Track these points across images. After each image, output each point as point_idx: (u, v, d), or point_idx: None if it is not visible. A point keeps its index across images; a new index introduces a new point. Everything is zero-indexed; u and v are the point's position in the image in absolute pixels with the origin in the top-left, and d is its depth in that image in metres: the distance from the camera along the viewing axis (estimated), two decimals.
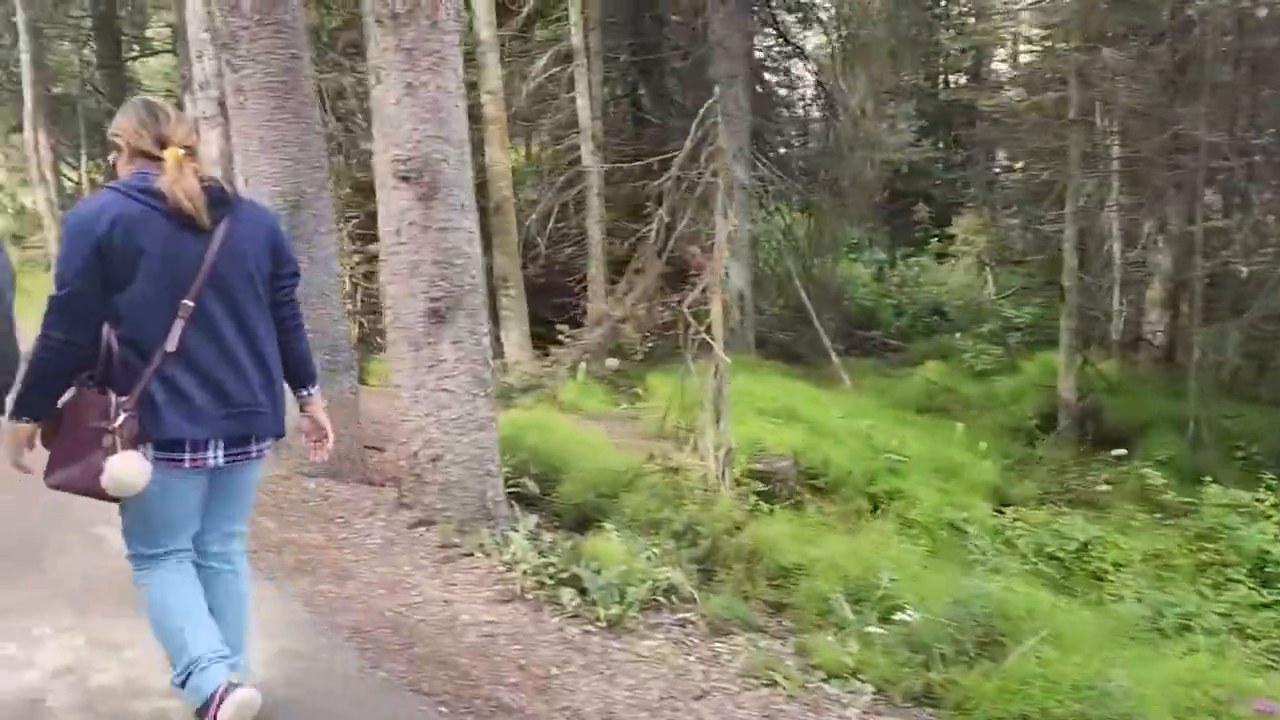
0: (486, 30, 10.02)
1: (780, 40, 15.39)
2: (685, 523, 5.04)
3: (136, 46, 13.05)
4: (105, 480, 2.40)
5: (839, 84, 14.10)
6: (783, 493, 7.00)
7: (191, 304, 2.45)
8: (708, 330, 6.22)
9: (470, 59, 10.16)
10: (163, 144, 2.49)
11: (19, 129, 11.42)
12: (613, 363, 12.64)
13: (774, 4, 14.82)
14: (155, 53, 13.71)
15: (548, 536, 4.78)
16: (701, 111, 6.71)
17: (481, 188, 11.15)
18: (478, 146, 11.61)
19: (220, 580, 2.74)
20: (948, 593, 4.40)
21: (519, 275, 10.76)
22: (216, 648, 2.56)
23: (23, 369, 2.51)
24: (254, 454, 2.64)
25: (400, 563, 4.46)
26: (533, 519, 4.82)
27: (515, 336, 10.70)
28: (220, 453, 2.53)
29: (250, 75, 5.18)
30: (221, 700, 2.44)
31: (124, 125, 2.55)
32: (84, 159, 13.98)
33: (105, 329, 2.45)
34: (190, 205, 2.42)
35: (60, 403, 2.52)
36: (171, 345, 2.44)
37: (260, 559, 4.25)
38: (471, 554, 4.58)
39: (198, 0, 9.07)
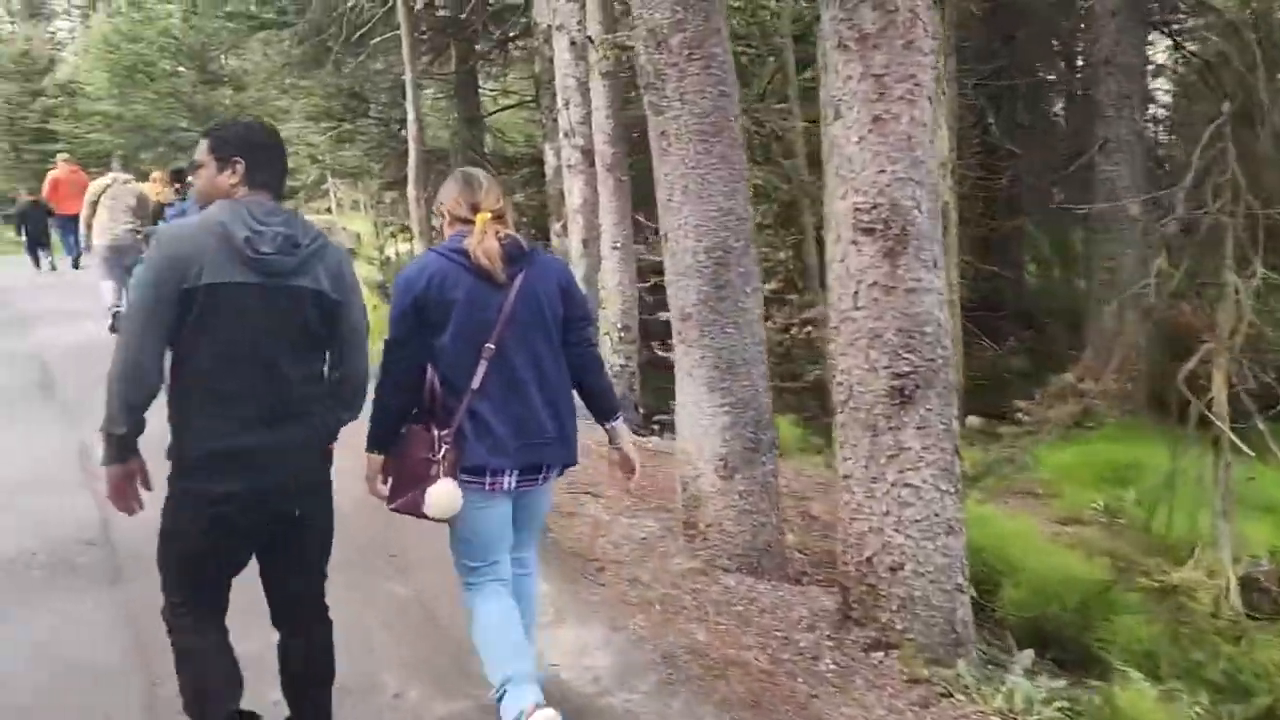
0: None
1: (1176, 50, 13.42)
2: (1224, 668, 3.85)
3: (494, 101, 13.55)
4: (426, 506, 2.83)
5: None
6: None
7: (492, 347, 2.82)
8: (1208, 405, 4.96)
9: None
10: (476, 210, 2.91)
11: (392, 185, 12.09)
12: (974, 421, 11.36)
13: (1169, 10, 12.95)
14: (515, 105, 14.13)
15: (1044, 679, 3.78)
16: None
17: None
18: None
19: (515, 581, 3.12)
20: None
21: None
22: (529, 670, 2.93)
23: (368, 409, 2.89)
24: (541, 480, 3.01)
25: (869, 701, 3.63)
26: (1027, 654, 3.84)
27: None
28: (514, 479, 2.92)
29: (676, 117, 4.62)
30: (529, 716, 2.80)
31: (446, 196, 3.01)
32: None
33: (430, 372, 2.88)
34: (488, 263, 2.82)
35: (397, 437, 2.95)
36: (475, 384, 2.83)
37: (708, 686, 3.58)
38: (950, 694, 3.68)
39: (564, 48, 8.98)
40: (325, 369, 2.77)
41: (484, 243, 2.84)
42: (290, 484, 2.65)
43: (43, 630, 3.95)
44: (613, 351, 8.29)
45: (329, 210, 24.31)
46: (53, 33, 48.66)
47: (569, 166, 9.12)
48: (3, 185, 30.50)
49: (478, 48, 12.41)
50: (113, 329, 9.23)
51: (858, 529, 4.09)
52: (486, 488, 2.89)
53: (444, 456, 2.83)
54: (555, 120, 9.49)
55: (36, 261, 16.58)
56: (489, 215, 2.90)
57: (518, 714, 2.82)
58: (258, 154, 2.67)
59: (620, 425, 3.19)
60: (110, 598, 4.26)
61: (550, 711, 2.83)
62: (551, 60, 9.40)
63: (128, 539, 4.53)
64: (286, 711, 2.90)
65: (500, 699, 2.89)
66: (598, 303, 8.52)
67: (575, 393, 3.09)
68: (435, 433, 2.86)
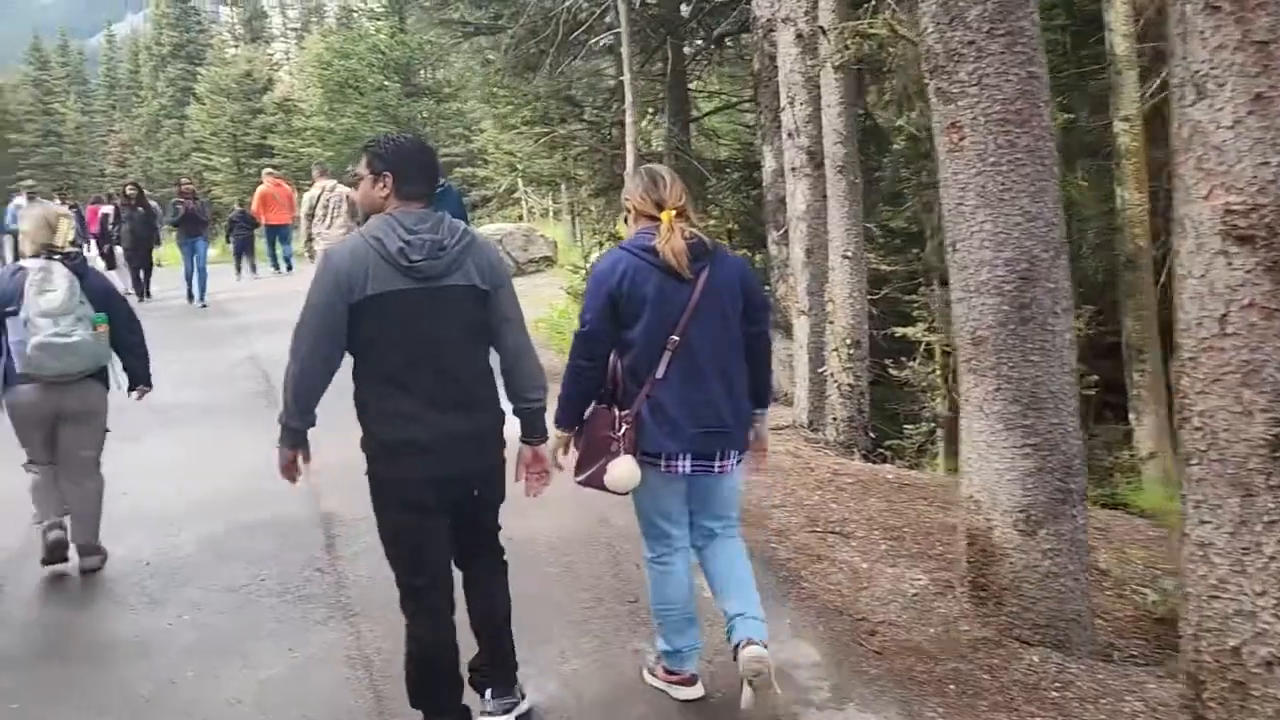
0: (1123, 42, 8.15)
1: None
2: None
3: (706, 102, 13.11)
4: (606, 479, 3.08)
5: None
6: None
7: (676, 338, 3.02)
8: None
9: (1098, 75, 8.41)
10: (660, 207, 3.09)
11: (601, 192, 11.84)
12: None
13: None
14: (726, 106, 13.66)
15: None
16: None
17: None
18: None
19: (722, 546, 3.29)
20: None
21: (1156, 348, 8.65)
22: (693, 644, 3.29)
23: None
24: (716, 468, 3.14)
25: None
26: None
27: (1150, 424, 8.60)
28: (688, 463, 3.10)
29: (972, 105, 3.92)
30: (674, 680, 3.31)
31: (632, 191, 3.18)
32: None
33: (613, 359, 3.12)
34: (675, 261, 3.01)
35: (584, 416, 3.20)
36: (659, 373, 3.04)
37: None
38: None
39: (789, 41, 8.35)
40: (492, 361, 3.04)
41: (671, 241, 3.01)
42: (464, 467, 2.95)
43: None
44: (841, 369, 7.60)
45: (520, 218, 24.63)
46: (271, 54, 52.19)
47: (792, 169, 8.48)
48: (227, 198, 32.63)
49: (686, 49, 11.95)
50: None
51: (1219, 610, 3.27)
52: (663, 469, 3.11)
53: (624, 435, 3.06)
54: (776, 120, 8.88)
55: (238, 269, 17.86)
56: (673, 212, 3.08)
57: (679, 674, 3.25)
58: (406, 168, 2.90)
59: (765, 415, 3.38)
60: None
61: (700, 689, 3.24)
62: (773, 56, 8.80)
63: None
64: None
65: (660, 661, 3.32)
66: (824, 316, 7.85)
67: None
68: (616, 413, 3.10)
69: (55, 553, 4.65)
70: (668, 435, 3.07)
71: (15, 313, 4.43)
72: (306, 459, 3.05)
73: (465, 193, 27.92)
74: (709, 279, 3.08)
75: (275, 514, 5.32)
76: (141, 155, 50.93)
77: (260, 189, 17.77)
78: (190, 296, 14.55)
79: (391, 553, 3.01)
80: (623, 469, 3.06)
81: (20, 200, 16.44)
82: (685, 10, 11.22)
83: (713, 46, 12.00)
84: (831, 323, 7.74)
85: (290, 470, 3.03)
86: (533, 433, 3.17)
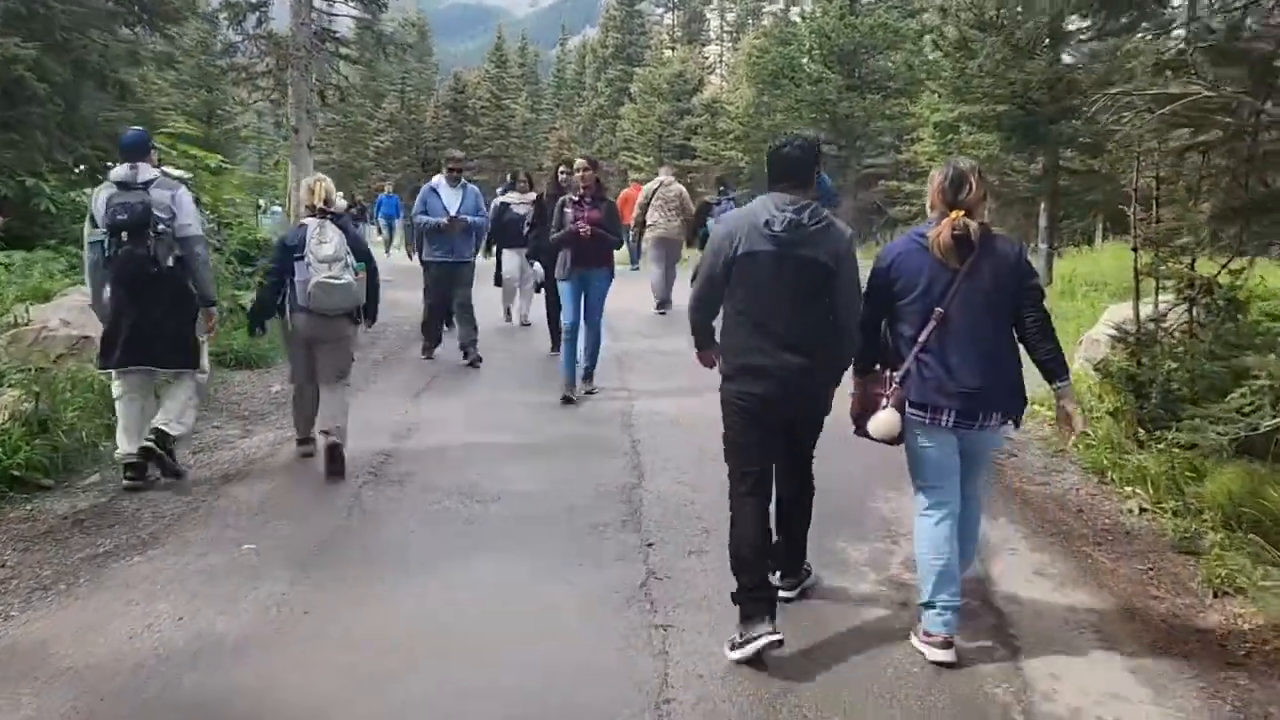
0: None
1: None
2: None
3: None
4: (870, 426, 3.60)
5: None
6: None
7: (941, 311, 3.49)
8: None
9: None
10: (952, 207, 3.52)
11: (1224, 217, 8.24)
12: None
13: None
14: None
15: None
16: None
17: None
18: None
19: (966, 505, 3.69)
20: None
21: None
22: (949, 600, 3.51)
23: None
24: (977, 425, 3.53)
25: None
26: None
27: None
28: (951, 418, 3.51)
29: None
30: (929, 642, 3.51)
31: (936, 180, 3.62)
32: None
33: (885, 327, 3.68)
34: (939, 251, 3.48)
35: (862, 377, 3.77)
36: (923, 338, 3.52)
37: None
38: None
39: None
40: (828, 318, 3.61)
41: (941, 235, 3.47)
42: (792, 393, 3.58)
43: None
44: None
45: None
46: (706, 57, 52.14)
47: None
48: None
49: None
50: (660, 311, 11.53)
51: None
52: (928, 421, 3.54)
53: (892, 391, 3.57)
54: None
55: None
56: (961, 212, 3.49)
57: (933, 636, 3.51)
58: (774, 166, 3.67)
59: (1064, 388, 3.58)
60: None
61: (953, 653, 3.45)
62: None
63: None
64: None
65: (924, 612, 3.58)
66: None
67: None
68: (888, 374, 3.63)
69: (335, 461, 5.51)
70: (933, 390, 3.51)
71: (301, 257, 5.47)
72: (715, 361, 3.87)
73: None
74: (974, 264, 3.47)
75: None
76: (576, 151, 53.15)
77: (624, 192, 17.92)
78: None
79: (727, 453, 3.74)
80: (882, 419, 3.55)
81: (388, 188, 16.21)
82: None
83: None
84: None
85: (708, 362, 3.92)
86: None
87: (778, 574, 3.86)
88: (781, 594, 3.81)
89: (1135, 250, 6.08)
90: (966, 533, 3.70)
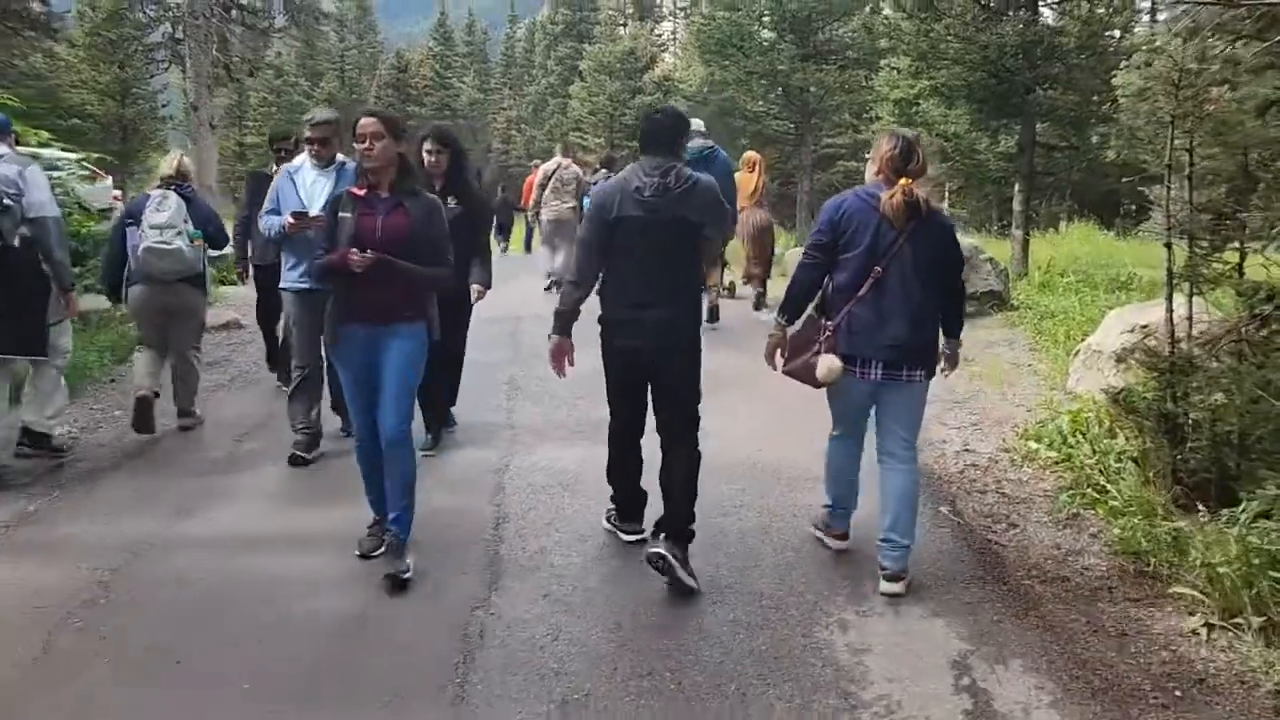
0: None
1: None
2: None
3: None
4: (818, 371, 3.89)
5: None
6: None
7: (880, 269, 3.79)
8: None
9: None
10: (899, 175, 3.80)
11: None
12: None
13: None
14: None
15: None
16: None
17: None
18: None
19: (892, 473, 3.95)
20: None
21: None
22: (845, 504, 4.27)
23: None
24: (903, 378, 3.87)
25: None
26: None
27: None
28: (878, 371, 3.86)
29: None
30: (833, 535, 4.33)
31: (885, 151, 3.88)
32: None
33: (826, 278, 3.97)
34: (892, 214, 3.76)
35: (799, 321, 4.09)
36: (860, 293, 3.82)
37: None
38: None
39: None
40: (696, 271, 4.21)
41: (895, 198, 3.74)
42: (659, 343, 3.97)
43: None
44: None
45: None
46: (659, 34, 50.34)
47: None
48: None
49: None
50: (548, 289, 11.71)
51: None
52: (857, 375, 3.89)
53: (826, 340, 3.90)
54: None
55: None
56: (909, 181, 3.77)
57: (825, 523, 4.33)
58: (648, 133, 4.04)
59: (955, 343, 4.14)
60: None
61: (901, 586, 3.87)
62: None
63: None
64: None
65: (829, 511, 4.34)
66: None
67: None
68: (824, 322, 3.96)
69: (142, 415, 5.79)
70: (862, 344, 3.85)
71: (135, 224, 5.79)
72: (571, 359, 4.27)
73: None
74: (914, 231, 3.79)
75: None
76: (526, 133, 51.17)
77: (528, 179, 16.41)
78: None
79: (608, 392, 4.28)
80: (827, 364, 3.86)
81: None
82: None
83: None
84: None
85: (558, 360, 4.21)
86: None
87: (661, 535, 3.96)
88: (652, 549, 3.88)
89: (1168, 246, 4.60)
90: (902, 501, 3.93)
